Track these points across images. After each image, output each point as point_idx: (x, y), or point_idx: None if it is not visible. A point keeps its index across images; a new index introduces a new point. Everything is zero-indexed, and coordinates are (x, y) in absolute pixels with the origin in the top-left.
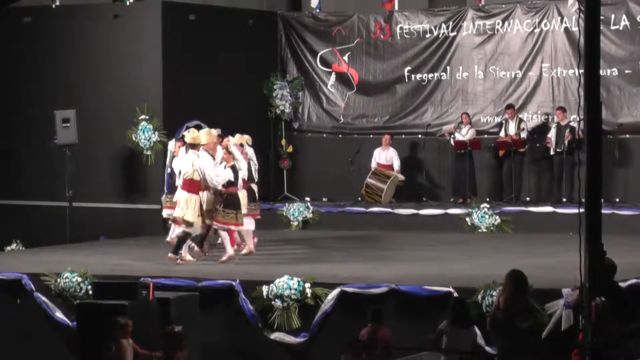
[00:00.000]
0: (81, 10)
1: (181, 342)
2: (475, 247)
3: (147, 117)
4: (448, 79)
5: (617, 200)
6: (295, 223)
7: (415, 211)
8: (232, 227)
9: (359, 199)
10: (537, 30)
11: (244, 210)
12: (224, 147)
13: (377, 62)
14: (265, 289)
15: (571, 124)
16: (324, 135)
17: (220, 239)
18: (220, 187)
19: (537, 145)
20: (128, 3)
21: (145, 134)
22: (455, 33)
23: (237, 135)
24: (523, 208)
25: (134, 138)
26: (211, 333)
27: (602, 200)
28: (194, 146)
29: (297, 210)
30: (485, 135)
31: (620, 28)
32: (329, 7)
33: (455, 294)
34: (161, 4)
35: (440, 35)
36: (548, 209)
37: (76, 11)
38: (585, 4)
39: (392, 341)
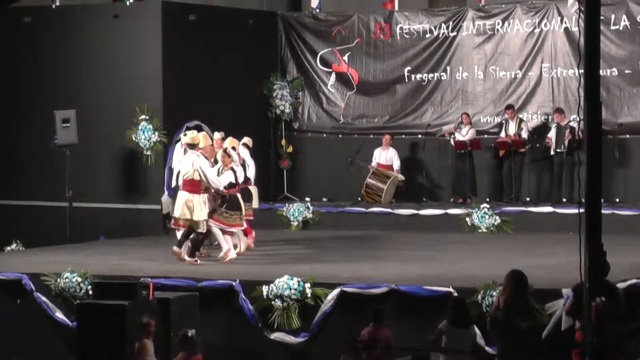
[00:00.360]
0: (81, 10)
1: (196, 345)
2: (475, 247)
3: (147, 117)
4: (448, 79)
5: (617, 200)
6: (295, 223)
7: (415, 211)
8: (234, 230)
9: (359, 199)
10: (537, 30)
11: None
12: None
13: (377, 62)
14: (265, 289)
15: (571, 124)
16: (324, 135)
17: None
18: (222, 189)
19: (537, 145)
20: (128, 3)
21: (145, 134)
22: (455, 33)
23: (229, 139)
24: (523, 208)
25: (134, 138)
26: (211, 333)
27: (602, 200)
28: (192, 147)
29: (297, 210)
30: (485, 135)
31: (620, 28)
32: (329, 7)
33: (455, 294)
34: (161, 4)
35: (440, 35)
36: (548, 209)
37: (76, 11)
38: (585, 4)
39: (393, 341)
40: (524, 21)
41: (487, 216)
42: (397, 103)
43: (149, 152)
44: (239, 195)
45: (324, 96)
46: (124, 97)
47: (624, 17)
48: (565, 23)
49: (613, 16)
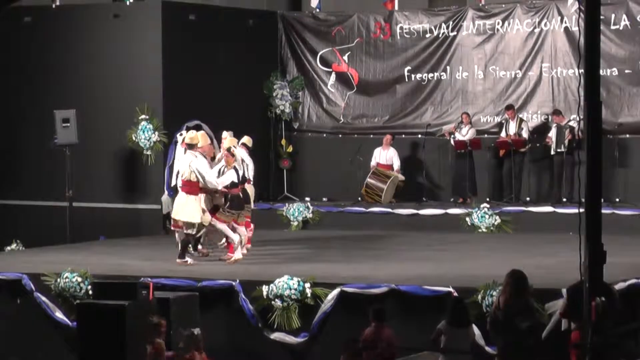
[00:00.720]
0: (81, 10)
1: (199, 343)
2: (475, 247)
3: (147, 117)
4: (448, 79)
5: (617, 200)
6: (295, 223)
7: (415, 211)
8: (234, 224)
9: (359, 199)
10: (537, 30)
11: None
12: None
13: (377, 62)
14: (265, 289)
15: (570, 123)
16: (324, 135)
17: (222, 241)
18: (220, 187)
19: (537, 145)
20: (128, 3)
21: (145, 134)
22: (455, 33)
23: (229, 138)
24: (523, 208)
25: (134, 138)
26: (211, 333)
27: (602, 200)
28: (191, 147)
29: (297, 210)
30: (485, 135)
31: (620, 28)
32: (329, 7)
33: (456, 294)
34: (161, 4)
35: (440, 35)
36: (548, 209)
37: (76, 11)
38: (585, 4)
39: (395, 341)
40: (524, 21)
41: (487, 216)
42: (397, 103)
43: (149, 152)
44: (241, 195)
45: (324, 96)
46: (124, 97)
47: (624, 17)
48: (565, 23)
49: (613, 16)
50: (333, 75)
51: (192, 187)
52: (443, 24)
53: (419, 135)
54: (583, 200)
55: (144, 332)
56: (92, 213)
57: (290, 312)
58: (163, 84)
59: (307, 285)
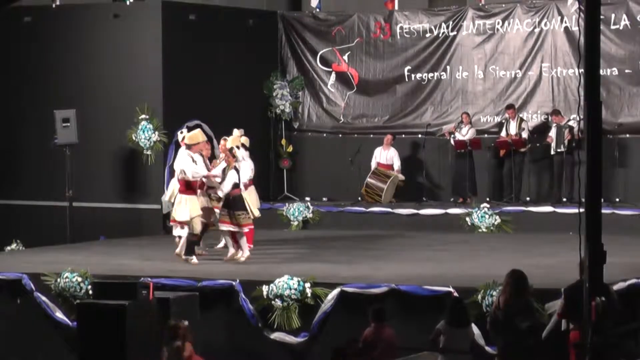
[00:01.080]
0: (81, 10)
1: (187, 334)
2: (475, 247)
3: (147, 117)
4: (448, 79)
5: (617, 200)
6: (295, 223)
7: (415, 211)
8: (245, 229)
9: (359, 198)
10: (537, 30)
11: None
12: (222, 150)
13: (377, 62)
14: (265, 289)
15: (570, 123)
16: (324, 135)
17: (223, 243)
18: (206, 173)
19: (538, 145)
20: (128, 3)
21: (145, 134)
22: (455, 33)
23: (231, 138)
24: (523, 208)
25: (134, 138)
26: (211, 333)
27: (602, 200)
28: (189, 147)
29: (297, 210)
30: (485, 135)
31: (620, 28)
32: (329, 6)
33: (456, 294)
34: (161, 4)
35: (440, 35)
36: (548, 209)
37: (76, 11)
38: (585, 4)
39: (396, 340)
40: (524, 21)
41: (487, 216)
42: (397, 102)
43: (149, 152)
44: (244, 195)
45: (324, 96)
46: (124, 97)
47: (624, 16)
48: (565, 23)
49: (613, 16)
50: (333, 75)
51: (187, 186)
52: (443, 24)
53: (419, 135)
54: (583, 200)
55: (158, 334)
56: (92, 213)
57: (290, 312)
58: (163, 84)
59: (307, 285)
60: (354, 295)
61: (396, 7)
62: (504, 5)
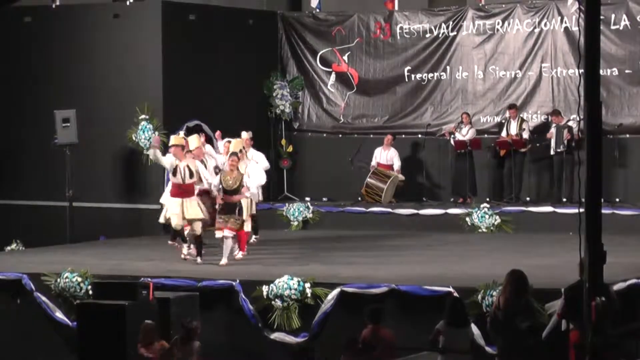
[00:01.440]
0: (81, 10)
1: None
2: (475, 247)
3: (147, 117)
4: (448, 79)
5: (617, 200)
6: (295, 223)
7: (415, 211)
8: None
9: (359, 199)
10: (537, 30)
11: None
12: (226, 152)
13: (377, 62)
14: (265, 289)
15: (569, 123)
16: (324, 135)
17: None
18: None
19: (538, 145)
20: (128, 3)
21: (145, 134)
22: (455, 33)
23: (235, 141)
24: (523, 208)
25: (134, 138)
26: (211, 333)
27: (602, 200)
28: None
29: (297, 210)
30: (485, 135)
31: (621, 28)
32: (329, 7)
33: (456, 294)
34: (161, 4)
35: (440, 35)
36: (548, 209)
37: (76, 11)
38: (585, 4)
39: (394, 341)
40: (524, 21)
41: (487, 216)
42: (397, 103)
43: (149, 152)
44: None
45: (324, 96)
46: (124, 97)
47: (624, 17)
48: (565, 23)
49: (613, 16)
50: (333, 75)
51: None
52: (443, 24)
53: (419, 135)
54: (583, 200)
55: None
56: (92, 213)
57: (290, 312)
58: (163, 84)
59: (307, 285)
60: (354, 295)
61: (396, 7)
62: (504, 5)
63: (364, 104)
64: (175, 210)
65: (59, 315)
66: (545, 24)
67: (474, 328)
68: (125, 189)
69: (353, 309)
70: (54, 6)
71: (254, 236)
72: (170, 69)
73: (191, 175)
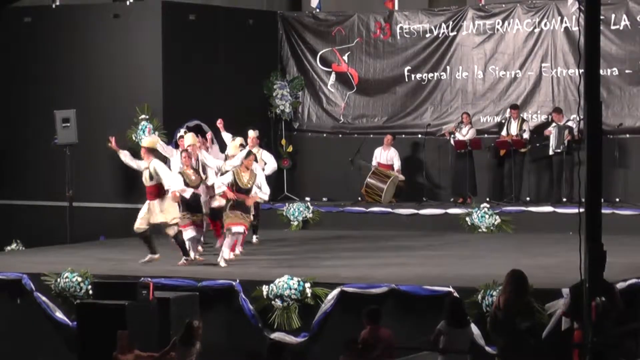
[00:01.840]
0: (81, 10)
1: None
2: (475, 247)
3: (147, 117)
4: (448, 79)
5: (617, 200)
6: (295, 223)
7: (415, 211)
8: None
9: (359, 198)
10: (537, 30)
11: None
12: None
13: (377, 62)
14: (265, 289)
15: (569, 123)
16: (324, 135)
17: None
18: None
19: (537, 144)
20: (128, 3)
21: (146, 134)
22: (455, 33)
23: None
24: (523, 208)
25: (134, 138)
26: (211, 333)
27: (602, 200)
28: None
29: (297, 210)
30: (485, 135)
31: (621, 28)
32: (329, 7)
33: (456, 294)
34: (161, 4)
35: (440, 35)
36: (548, 209)
37: (76, 11)
38: (585, 4)
39: (393, 341)
40: (524, 21)
41: (487, 216)
42: (397, 103)
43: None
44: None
45: (324, 96)
46: (124, 97)
47: (624, 17)
48: (565, 23)
49: (613, 16)
50: (333, 75)
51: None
52: (443, 24)
53: (419, 135)
54: (583, 200)
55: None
56: (92, 213)
57: (290, 312)
58: (163, 84)
59: (307, 285)
60: (354, 295)
61: (396, 7)
62: (504, 5)
63: (364, 104)
64: (140, 213)
65: (59, 315)
66: (545, 24)
67: (474, 328)
68: (125, 189)
69: (353, 309)
70: (54, 6)
71: (254, 236)
72: (170, 69)
73: (151, 177)
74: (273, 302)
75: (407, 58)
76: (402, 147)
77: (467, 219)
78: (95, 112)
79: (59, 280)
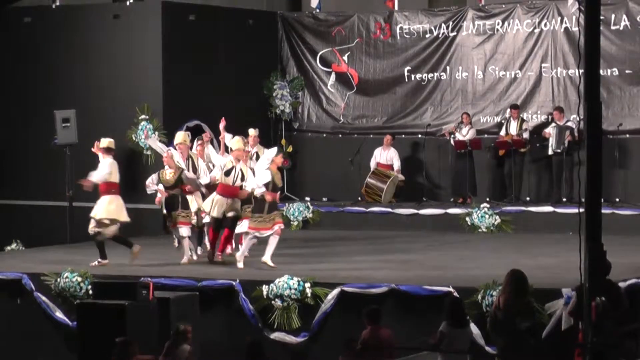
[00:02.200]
0: (81, 10)
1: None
2: (475, 247)
3: (147, 117)
4: (448, 79)
5: (617, 200)
6: (295, 223)
7: (415, 211)
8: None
9: (359, 198)
10: (537, 30)
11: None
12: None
13: (377, 62)
14: (265, 288)
15: (568, 123)
16: (324, 135)
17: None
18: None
19: (537, 145)
20: (128, 3)
21: (148, 134)
22: (455, 33)
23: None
24: (523, 208)
25: (134, 138)
26: (211, 333)
27: (602, 200)
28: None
29: (297, 210)
30: (485, 135)
31: (621, 28)
32: (329, 7)
33: (456, 294)
34: (161, 4)
35: (440, 35)
36: (548, 209)
37: (76, 11)
38: (585, 4)
39: (393, 341)
40: (524, 21)
41: (487, 216)
42: (397, 103)
43: (149, 152)
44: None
45: (324, 96)
46: (124, 97)
47: (624, 17)
48: (565, 23)
49: (613, 16)
50: (333, 76)
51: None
52: (443, 24)
53: (419, 135)
54: (583, 200)
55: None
56: None
57: (290, 312)
58: (163, 84)
59: (307, 285)
60: (354, 295)
61: (396, 8)
62: (504, 5)
63: (364, 104)
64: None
65: (59, 315)
66: (545, 24)
67: (474, 328)
68: (125, 189)
69: (353, 309)
70: (54, 6)
71: None
72: (170, 69)
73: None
74: (273, 302)
75: (407, 58)
76: (402, 147)
77: (467, 219)
78: (95, 112)
79: (59, 280)
